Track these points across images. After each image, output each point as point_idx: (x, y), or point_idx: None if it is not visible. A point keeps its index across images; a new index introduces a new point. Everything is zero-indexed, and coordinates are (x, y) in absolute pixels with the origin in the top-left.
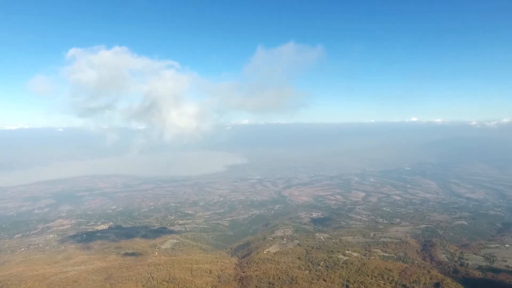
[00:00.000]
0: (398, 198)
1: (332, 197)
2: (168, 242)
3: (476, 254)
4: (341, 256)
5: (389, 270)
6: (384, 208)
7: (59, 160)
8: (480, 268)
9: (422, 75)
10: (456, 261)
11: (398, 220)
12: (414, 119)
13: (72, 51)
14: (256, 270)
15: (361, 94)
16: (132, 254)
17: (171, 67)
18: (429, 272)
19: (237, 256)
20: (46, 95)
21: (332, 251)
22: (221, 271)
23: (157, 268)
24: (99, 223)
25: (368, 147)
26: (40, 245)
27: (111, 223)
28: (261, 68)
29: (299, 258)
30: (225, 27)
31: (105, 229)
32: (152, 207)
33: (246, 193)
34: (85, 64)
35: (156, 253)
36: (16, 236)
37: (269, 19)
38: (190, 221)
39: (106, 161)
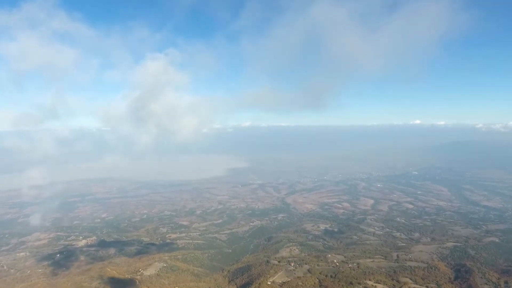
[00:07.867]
0: (410, 206)
1: (339, 205)
2: (153, 266)
3: None
4: None
5: None
6: (398, 219)
7: (57, 162)
8: None
9: (426, 77)
10: None
11: (417, 234)
12: (417, 121)
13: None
14: None
15: (363, 96)
16: (108, 283)
17: (166, 44)
18: None
19: (235, 284)
20: None
21: (351, 283)
22: None
23: None
24: (80, 237)
25: (373, 151)
26: (5, 267)
27: (94, 238)
28: None
29: None
30: None
31: (86, 245)
32: (145, 216)
33: (247, 199)
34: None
35: (137, 281)
36: None
37: None
38: (183, 234)
39: (104, 163)
